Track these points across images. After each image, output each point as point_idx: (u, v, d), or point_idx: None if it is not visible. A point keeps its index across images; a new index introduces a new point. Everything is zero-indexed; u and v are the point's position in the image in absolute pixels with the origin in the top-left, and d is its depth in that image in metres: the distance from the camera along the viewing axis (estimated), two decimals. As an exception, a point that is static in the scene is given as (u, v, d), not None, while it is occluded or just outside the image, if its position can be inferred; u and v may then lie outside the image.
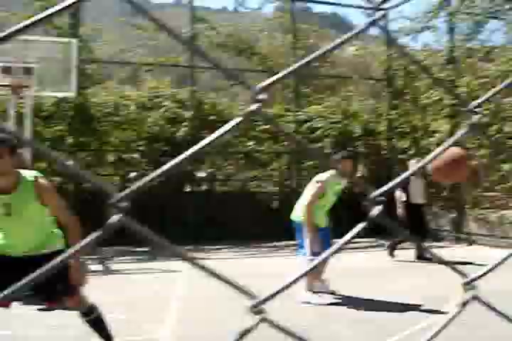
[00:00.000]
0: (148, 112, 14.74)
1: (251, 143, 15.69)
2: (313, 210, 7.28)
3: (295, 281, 0.85)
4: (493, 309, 0.89)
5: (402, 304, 6.92)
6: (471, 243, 13.59)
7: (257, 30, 17.01)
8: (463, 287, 0.86)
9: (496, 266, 0.93)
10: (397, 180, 1.07)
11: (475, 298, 0.86)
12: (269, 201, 15.64)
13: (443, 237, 14.45)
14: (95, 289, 7.94)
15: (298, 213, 7.62)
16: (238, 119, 0.90)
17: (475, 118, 1.14)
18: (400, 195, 10.71)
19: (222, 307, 6.92)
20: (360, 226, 0.90)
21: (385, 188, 0.96)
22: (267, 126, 15.73)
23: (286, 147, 15.76)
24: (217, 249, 12.79)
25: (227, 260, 11.30)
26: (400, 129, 16.12)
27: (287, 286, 0.85)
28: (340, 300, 7.22)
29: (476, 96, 12.44)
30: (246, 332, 0.84)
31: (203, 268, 0.83)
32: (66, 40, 12.03)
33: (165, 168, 0.88)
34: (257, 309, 0.86)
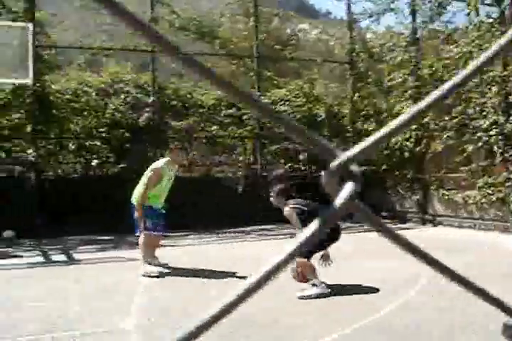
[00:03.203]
0: (110, 98, 14.48)
1: (215, 127, 15.55)
2: (146, 195, 8.08)
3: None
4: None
5: (375, 287, 6.86)
6: (436, 224, 13.66)
7: (219, 13, 16.75)
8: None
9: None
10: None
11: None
12: (233, 186, 15.54)
13: (409, 219, 14.51)
14: (59, 279, 7.81)
15: (134, 197, 8.33)
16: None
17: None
18: None
19: (187, 295, 6.81)
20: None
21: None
22: (231, 111, 15.63)
23: (250, 132, 15.66)
24: (184, 235, 12.65)
25: (193, 246, 11.18)
26: (363, 112, 16.08)
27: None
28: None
29: (440, 78, 12.46)
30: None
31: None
32: (21, 24, 11.68)
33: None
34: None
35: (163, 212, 8.46)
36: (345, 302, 6.19)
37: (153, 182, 8.08)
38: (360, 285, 6.93)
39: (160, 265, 8.43)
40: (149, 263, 8.05)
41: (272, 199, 7.16)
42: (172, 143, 8.71)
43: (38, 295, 6.75)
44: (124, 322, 5.60)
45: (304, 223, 6.68)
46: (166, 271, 8.20)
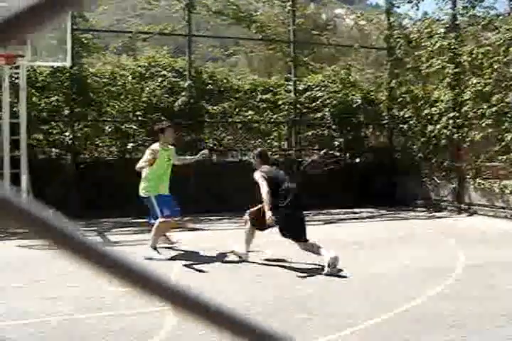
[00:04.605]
0: (146, 82, 14.53)
1: (250, 112, 15.52)
2: (150, 177, 8.33)
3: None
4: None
5: (403, 276, 6.83)
6: (471, 213, 13.50)
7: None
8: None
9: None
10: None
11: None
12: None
13: (444, 207, 14.37)
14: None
15: (140, 191, 8.51)
16: None
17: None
18: None
19: (222, 277, 6.86)
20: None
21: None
22: (267, 96, 15.59)
23: (285, 117, 15.61)
24: (218, 219, 12.72)
25: (226, 230, 11.23)
26: (400, 99, 15.90)
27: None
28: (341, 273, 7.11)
29: (479, 65, 12.23)
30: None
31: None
32: (60, 7, 11.74)
33: None
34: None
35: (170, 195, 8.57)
36: (379, 291, 6.17)
37: (148, 161, 8.22)
38: (394, 273, 6.89)
39: (171, 247, 8.74)
40: (155, 248, 8.18)
41: (251, 160, 7.77)
42: (161, 123, 9.03)
43: (74, 276, 6.84)
44: (159, 303, 5.65)
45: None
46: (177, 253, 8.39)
